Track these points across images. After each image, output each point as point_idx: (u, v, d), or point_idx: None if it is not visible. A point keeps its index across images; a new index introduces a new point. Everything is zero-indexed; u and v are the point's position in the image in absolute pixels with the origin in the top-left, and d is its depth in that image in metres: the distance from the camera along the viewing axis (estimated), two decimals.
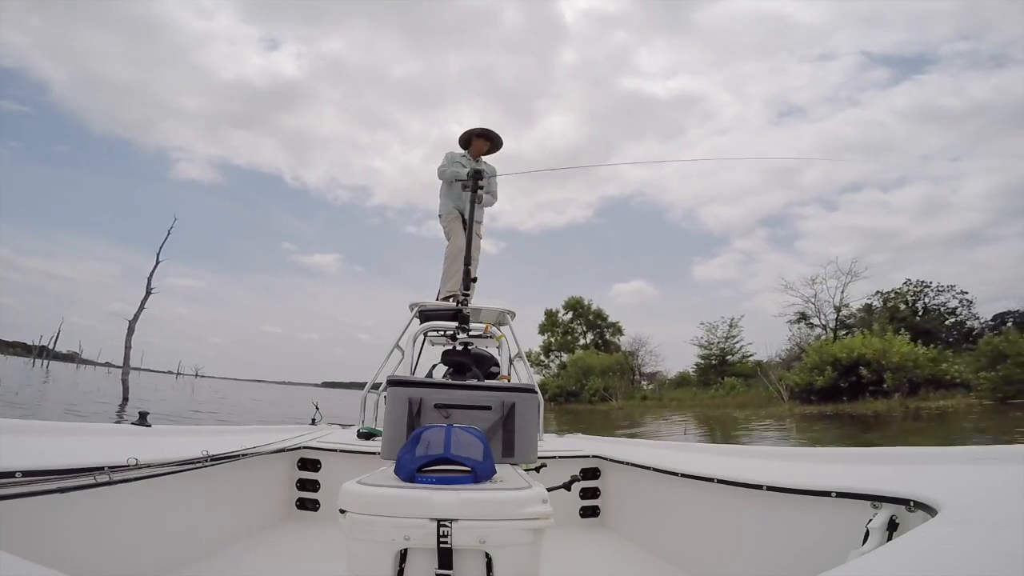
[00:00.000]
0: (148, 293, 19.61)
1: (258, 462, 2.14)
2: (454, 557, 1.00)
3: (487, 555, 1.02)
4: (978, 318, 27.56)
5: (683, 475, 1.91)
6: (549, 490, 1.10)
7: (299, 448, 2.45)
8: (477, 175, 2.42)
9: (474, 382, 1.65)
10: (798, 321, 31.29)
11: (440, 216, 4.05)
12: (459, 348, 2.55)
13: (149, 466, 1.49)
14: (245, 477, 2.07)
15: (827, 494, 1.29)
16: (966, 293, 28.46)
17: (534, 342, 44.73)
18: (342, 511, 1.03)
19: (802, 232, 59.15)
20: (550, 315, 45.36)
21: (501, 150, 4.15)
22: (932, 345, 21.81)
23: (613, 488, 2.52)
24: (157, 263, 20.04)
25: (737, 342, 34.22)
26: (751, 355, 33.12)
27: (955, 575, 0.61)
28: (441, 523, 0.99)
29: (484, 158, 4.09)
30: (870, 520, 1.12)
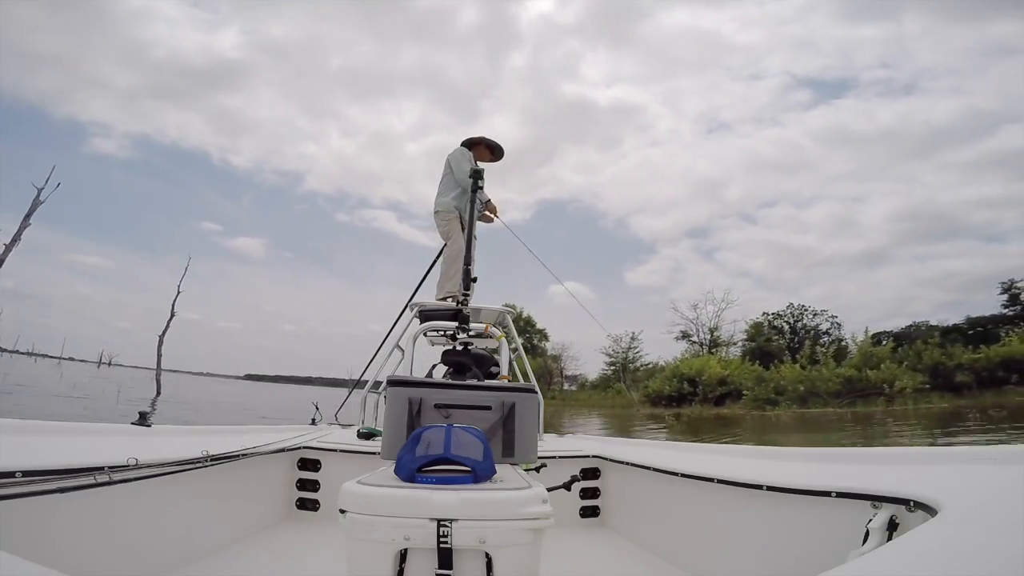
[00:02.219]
0: (172, 315, 21.17)
1: (258, 462, 2.14)
2: (454, 557, 1.00)
3: (487, 555, 1.02)
4: (842, 340, 31.66)
5: (683, 475, 1.91)
6: (549, 490, 1.10)
7: (299, 448, 2.45)
8: (477, 174, 2.42)
9: (474, 382, 1.66)
10: (681, 338, 37.56)
11: (437, 213, 4.00)
12: (459, 348, 2.55)
13: (149, 466, 1.49)
14: (245, 477, 2.07)
15: (827, 494, 1.29)
16: (836, 316, 34.94)
17: None
18: (342, 511, 1.03)
19: (724, 244, 62.51)
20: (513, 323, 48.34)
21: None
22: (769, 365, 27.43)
23: (613, 488, 2.53)
24: (178, 293, 21.42)
25: (638, 352, 39.55)
26: (648, 364, 38.13)
27: (955, 575, 0.61)
28: (441, 523, 0.99)
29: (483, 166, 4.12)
30: (870, 520, 1.12)
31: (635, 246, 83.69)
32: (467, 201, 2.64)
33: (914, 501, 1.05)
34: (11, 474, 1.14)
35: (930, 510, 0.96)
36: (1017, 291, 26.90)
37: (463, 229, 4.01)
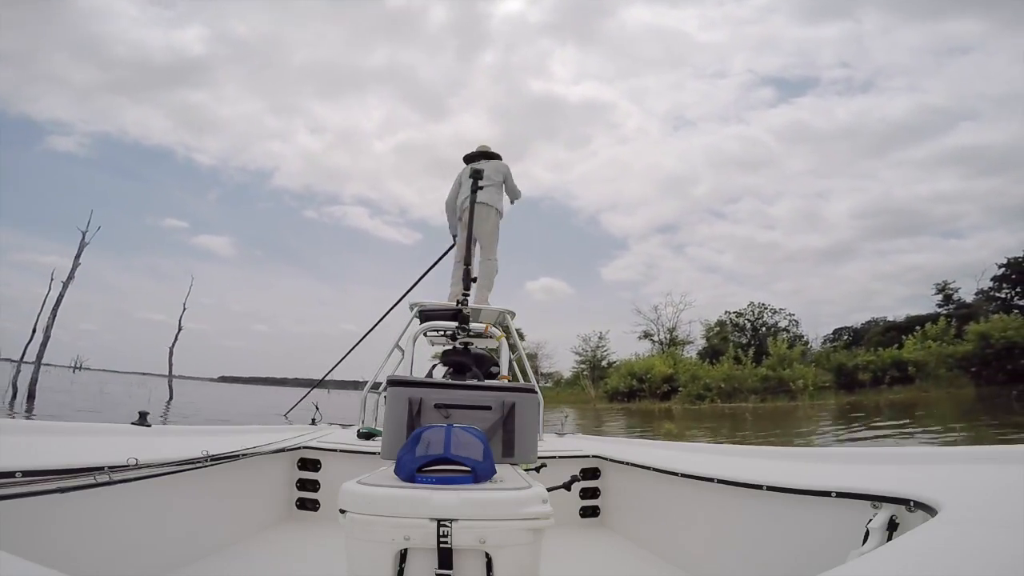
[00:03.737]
0: (179, 329, 22.48)
1: (258, 462, 2.14)
2: (454, 557, 1.00)
3: (487, 555, 1.01)
4: (803, 336, 35.50)
5: (683, 475, 1.91)
6: (549, 490, 1.10)
7: (299, 448, 2.45)
8: (477, 174, 2.42)
9: (474, 382, 1.65)
10: (643, 337, 39.94)
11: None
12: (459, 348, 2.55)
13: (149, 466, 1.49)
14: (245, 477, 2.07)
15: (827, 494, 1.29)
16: (793, 314, 37.71)
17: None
18: (342, 511, 1.03)
19: (693, 240, 63.47)
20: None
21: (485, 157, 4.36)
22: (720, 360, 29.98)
23: (613, 488, 2.53)
24: (184, 309, 22.63)
25: (605, 351, 41.66)
26: (615, 362, 39.82)
27: (955, 575, 0.61)
28: (441, 523, 0.99)
29: (491, 161, 4.30)
30: (870, 520, 1.12)
31: (607, 242, 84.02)
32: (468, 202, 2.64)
33: (914, 501, 1.05)
34: (11, 474, 1.14)
35: (930, 510, 0.96)
36: (951, 291, 29.81)
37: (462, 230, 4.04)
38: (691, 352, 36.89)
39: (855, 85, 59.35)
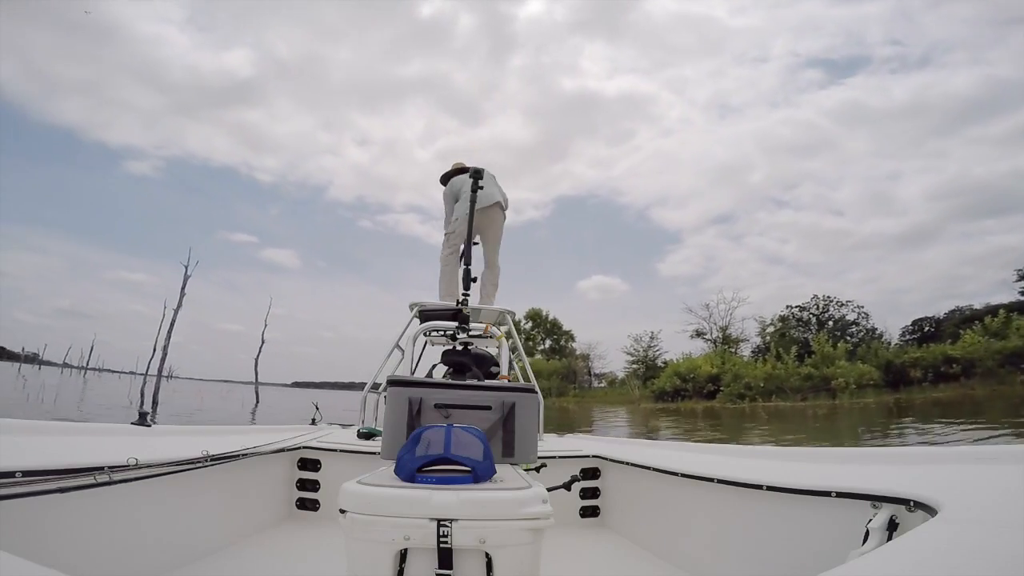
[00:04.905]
0: (263, 342, 26.17)
1: (258, 462, 2.14)
2: (454, 557, 1.00)
3: (487, 555, 1.01)
4: (876, 330, 33.98)
5: (683, 475, 1.91)
6: (549, 490, 1.10)
7: (299, 448, 2.45)
8: (477, 174, 2.42)
9: (474, 382, 1.65)
10: (695, 336, 39.00)
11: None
12: (459, 348, 2.55)
13: (149, 466, 1.49)
14: (245, 477, 2.07)
15: (827, 494, 1.29)
16: (862, 307, 35.58)
17: None
18: (342, 511, 1.03)
19: (752, 229, 61.55)
20: (514, 324, 49.76)
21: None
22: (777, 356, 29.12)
23: (613, 488, 2.52)
24: (265, 326, 26.06)
25: (657, 351, 41.32)
26: (668, 361, 39.22)
27: (955, 575, 0.61)
28: (441, 523, 0.99)
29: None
30: (870, 520, 1.12)
31: (661, 237, 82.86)
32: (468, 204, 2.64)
33: (914, 501, 1.05)
34: (11, 474, 1.14)
35: (930, 510, 0.96)
36: None
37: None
38: (746, 351, 35.86)
39: (910, 62, 56.92)
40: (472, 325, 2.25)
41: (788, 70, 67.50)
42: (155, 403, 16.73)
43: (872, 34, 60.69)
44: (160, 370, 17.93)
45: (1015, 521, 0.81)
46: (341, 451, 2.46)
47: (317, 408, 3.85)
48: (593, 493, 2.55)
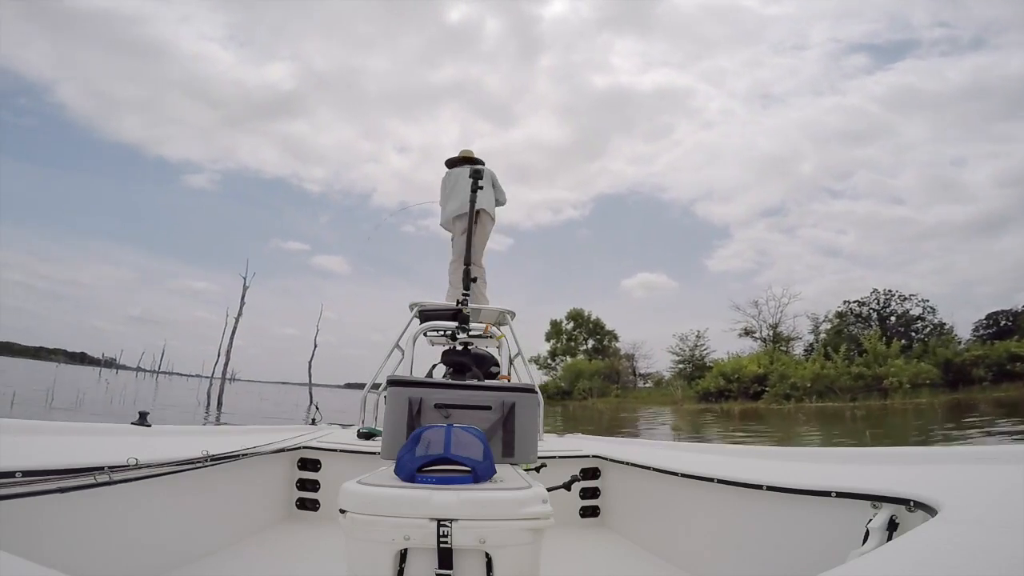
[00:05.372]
0: (315, 347, 27.32)
1: (258, 462, 2.14)
2: (454, 557, 1.00)
3: (487, 555, 1.01)
4: (944, 324, 31.21)
5: (683, 475, 1.91)
6: (549, 490, 1.10)
7: (299, 448, 2.45)
8: (477, 174, 2.42)
9: (474, 382, 1.65)
10: (743, 335, 37.68)
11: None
12: (459, 348, 2.55)
13: (149, 466, 1.49)
14: (245, 477, 2.07)
15: (827, 494, 1.29)
16: (927, 300, 33.08)
17: (543, 348, 49.69)
18: (342, 511, 1.03)
19: (805, 221, 58.68)
20: (555, 324, 50.54)
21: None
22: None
23: (613, 488, 2.52)
24: (317, 331, 27.41)
25: (704, 350, 39.81)
26: (716, 361, 37.61)
27: (955, 575, 0.61)
28: (441, 523, 0.99)
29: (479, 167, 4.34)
30: (870, 520, 1.12)
31: (708, 232, 79.39)
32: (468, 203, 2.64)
33: (914, 501, 1.04)
34: (11, 474, 1.14)
35: (930, 510, 0.96)
36: None
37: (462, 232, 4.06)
38: (799, 349, 34.39)
39: (962, 44, 53.93)
40: (472, 325, 2.25)
41: (830, 57, 64.86)
42: (219, 404, 17.81)
43: (917, 17, 57.15)
44: (224, 373, 19.39)
45: (1015, 521, 0.81)
46: (341, 451, 2.46)
47: (317, 408, 3.85)
48: (593, 493, 2.55)
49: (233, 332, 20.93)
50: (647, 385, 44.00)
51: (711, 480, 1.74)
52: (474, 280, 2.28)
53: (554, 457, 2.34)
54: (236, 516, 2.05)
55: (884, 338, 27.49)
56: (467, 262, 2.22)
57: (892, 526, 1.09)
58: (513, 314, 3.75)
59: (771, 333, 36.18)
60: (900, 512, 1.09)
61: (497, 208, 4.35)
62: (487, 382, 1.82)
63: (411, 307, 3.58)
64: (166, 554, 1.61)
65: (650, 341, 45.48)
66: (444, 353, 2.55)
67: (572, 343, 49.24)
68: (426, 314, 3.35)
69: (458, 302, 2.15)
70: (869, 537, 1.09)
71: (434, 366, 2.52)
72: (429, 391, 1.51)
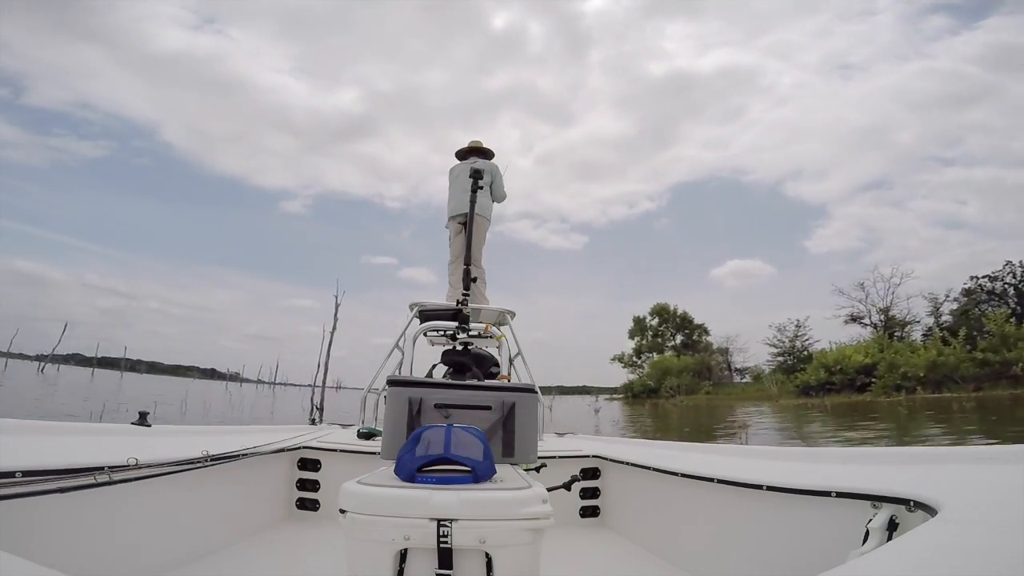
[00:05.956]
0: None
1: (258, 462, 2.14)
2: (454, 557, 1.00)
3: (487, 555, 1.01)
4: None
5: (683, 475, 1.91)
6: (549, 490, 1.10)
7: (299, 448, 2.45)
8: (477, 174, 2.42)
9: (474, 382, 1.65)
10: (850, 321, 33.78)
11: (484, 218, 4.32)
12: (459, 348, 2.55)
13: (149, 466, 1.49)
14: (245, 477, 2.06)
15: (827, 494, 1.29)
16: None
17: (626, 345, 48.14)
18: (342, 511, 1.03)
19: (915, 192, 53.99)
20: (638, 321, 49.19)
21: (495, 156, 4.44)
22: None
23: (613, 488, 2.52)
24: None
25: (806, 340, 35.73)
26: (820, 351, 33.23)
27: (955, 575, 0.61)
28: (441, 523, 0.99)
29: (484, 160, 4.37)
30: (870, 520, 1.12)
31: (803, 212, 74.01)
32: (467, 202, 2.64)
33: (914, 501, 1.04)
34: (11, 474, 1.14)
35: (930, 510, 0.96)
36: None
37: (461, 232, 4.06)
38: (916, 334, 30.44)
39: None
40: (472, 325, 2.24)
41: (906, 20, 61.60)
42: (320, 409, 19.12)
43: None
44: (324, 382, 20.95)
45: (1015, 521, 0.81)
46: (341, 451, 2.46)
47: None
48: (593, 493, 2.55)
49: (329, 345, 21.27)
50: (744, 380, 41.60)
51: (711, 480, 1.74)
52: (474, 280, 2.27)
53: (554, 457, 2.35)
54: (236, 516, 2.05)
55: (1013, 317, 24.11)
56: (467, 262, 2.22)
57: (892, 526, 1.09)
58: (513, 314, 3.75)
59: (882, 318, 32.25)
60: (900, 512, 1.09)
61: (498, 204, 4.37)
62: (487, 382, 1.82)
63: (411, 307, 3.58)
64: (166, 554, 1.61)
65: (745, 333, 42.91)
66: (444, 353, 2.55)
67: (659, 339, 47.68)
68: (426, 314, 3.35)
69: (458, 302, 2.15)
70: (869, 537, 1.09)
71: (434, 366, 2.52)
72: (429, 391, 1.51)
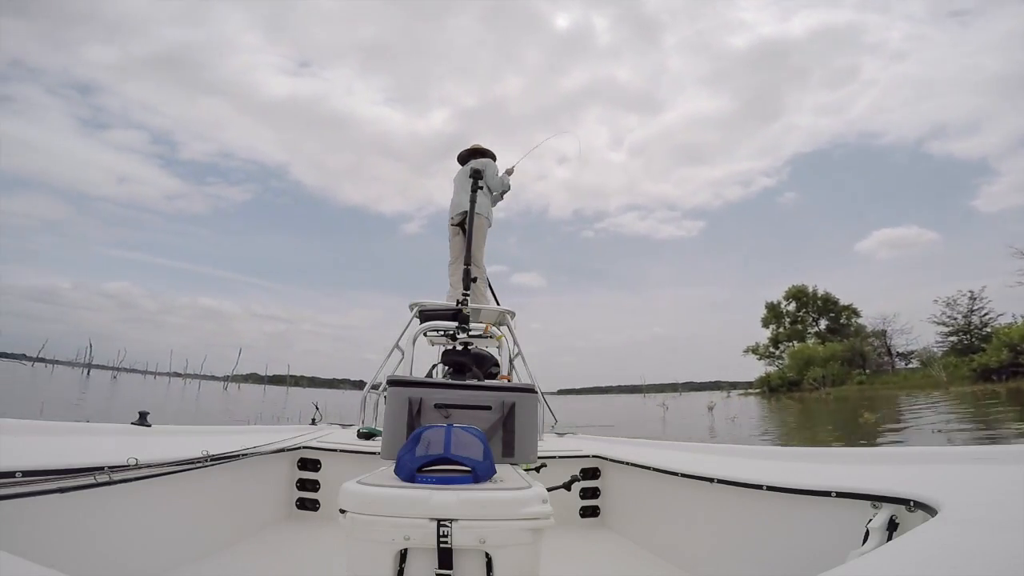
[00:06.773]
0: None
1: (258, 462, 2.14)
2: (454, 557, 1.00)
3: (487, 555, 1.01)
4: None
5: (683, 475, 1.91)
6: (549, 490, 1.10)
7: (299, 448, 2.45)
8: (477, 174, 2.42)
9: (474, 382, 1.65)
10: None
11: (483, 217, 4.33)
12: (459, 348, 2.55)
13: (149, 466, 1.49)
14: (245, 477, 2.06)
15: (827, 494, 1.29)
16: None
17: (760, 335, 42.61)
18: (342, 511, 1.03)
19: None
20: (771, 307, 43.96)
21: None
22: None
23: (613, 488, 2.52)
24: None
25: (986, 315, 30.72)
26: (998, 329, 28.51)
27: (955, 575, 0.61)
28: (441, 523, 0.99)
29: (485, 160, 4.38)
30: (870, 520, 1.12)
31: (960, 170, 66.74)
32: (467, 203, 2.64)
33: (914, 501, 1.04)
34: (11, 474, 1.14)
35: (930, 510, 0.96)
36: None
37: (461, 232, 4.07)
38: None
39: None
40: (472, 325, 2.25)
41: None
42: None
43: None
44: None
45: (1015, 521, 0.81)
46: (341, 451, 2.46)
47: (317, 408, 3.85)
48: (593, 493, 2.55)
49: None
50: (909, 366, 35.70)
51: (711, 480, 1.74)
52: (474, 280, 2.28)
53: (554, 457, 2.34)
54: (236, 516, 2.05)
55: None
56: (467, 262, 2.22)
57: (892, 526, 1.09)
58: (513, 314, 3.75)
59: None
60: (900, 512, 1.09)
61: (500, 200, 4.39)
62: (487, 382, 1.82)
63: (411, 307, 3.58)
64: (166, 554, 1.61)
65: (907, 312, 38.29)
66: (444, 353, 2.56)
67: (798, 326, 42.35)
68: (426, 314, 3.35)
69: (458, 302, 2.15)
70: (869, 537, 1.09)
71: (434, 366, 2.52)
72: (429, 391, 1.51)
